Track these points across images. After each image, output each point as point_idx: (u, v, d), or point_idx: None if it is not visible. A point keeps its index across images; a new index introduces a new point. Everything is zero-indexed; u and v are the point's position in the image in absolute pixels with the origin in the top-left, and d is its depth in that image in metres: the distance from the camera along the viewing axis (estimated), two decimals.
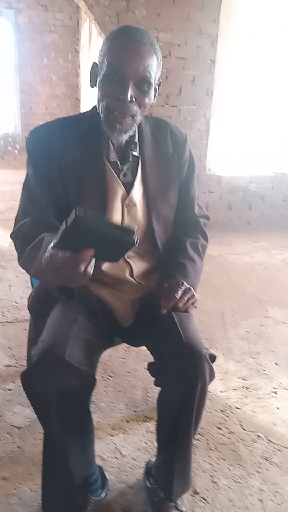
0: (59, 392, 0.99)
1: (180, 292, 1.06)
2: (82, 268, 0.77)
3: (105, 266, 1.19)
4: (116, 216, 1.16)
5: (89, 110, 1.19)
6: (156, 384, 1.15)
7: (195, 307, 1.14)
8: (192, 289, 1.09)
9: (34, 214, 1.11)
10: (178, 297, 1.05)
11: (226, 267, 3.10)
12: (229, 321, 2.36)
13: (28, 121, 6.55)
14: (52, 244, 0.80)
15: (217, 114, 3.74)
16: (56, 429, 1.06)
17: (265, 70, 3.91)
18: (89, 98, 5.89)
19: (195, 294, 1.10)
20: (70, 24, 6.44)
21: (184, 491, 1.20)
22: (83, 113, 1.23)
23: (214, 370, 1.08)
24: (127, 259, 1.21)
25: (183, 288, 1.08)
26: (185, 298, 1.07)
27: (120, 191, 1.15)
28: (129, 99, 1.03)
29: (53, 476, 1.12)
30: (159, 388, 1.76)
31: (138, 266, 1.22)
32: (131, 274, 1.22)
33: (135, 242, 0.75)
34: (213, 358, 1.07)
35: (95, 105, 1.15)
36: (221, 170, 3.81)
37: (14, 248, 1.12)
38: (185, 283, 1.10)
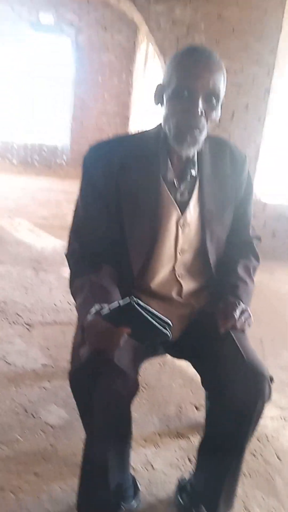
0: (105, 394, 0.99)
1: (238, 312, 1.06)
2: (116, 341, 0.90)
3: (154, 284, 1.20)
4: (170, 237, 1.17)
5: (152, 129, 1.20)
6: (208, 399, 1.13)
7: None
8: (248, 309, 1.09)
9: (85, 239, 1.17)
10: (236, 317, 1.05)
11: (267, 295, 3.05)
12: (268, 350, 2.30)
13: (77, 134, 6.77)
14: (94, 310, 0.94)
15: (268, 141, 3.75)
16: (99, 431, 1.07)
17: None
18: (138, 116, 6.04)
19: (251, 315, 1.09)
20: (127, 46, 6.67)
21: (228, 510, 1.17)
22: (145, 131, 1.23)
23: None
24: (178, 278, 1.21)
25: (240, 308, 1.07)
26: (243, 318, 1.06)
27: (175, 212, 1.16)
28: (199, 112, 1.04)
29: (91, 479, 1.11)
30: (192, 407, 1.76)
31: (188, 285, 1.23)
32: (179, 294, 1.22)
33: (169, 335, 0.88)
34: (272, 379, 1.05)
35: (159, 124, 1.16)
36: (267, 197, 3.79)
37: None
38: (241, 303, 1.09)
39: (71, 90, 6.64)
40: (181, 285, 1.22)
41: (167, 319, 0.90)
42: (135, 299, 0.86)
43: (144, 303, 0.88)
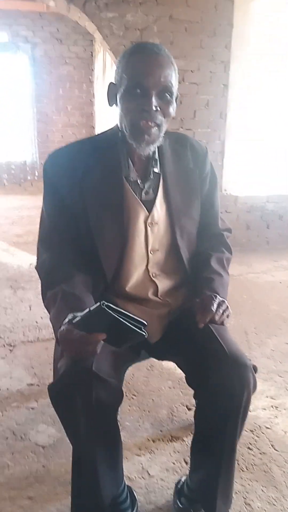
0: (87, 404, 0.97)
1: (215, 305, 1.04)
2: (92, 348, 0.88)
3: (129, 286, 1.18)
4: (140, 238, 1.16)
5: (109, 129, 1.19)
6: (195, 397, 1.12)
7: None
8: (225, 301, 1.08)
9: (54, 249, 1.14)
10: (214, 311, 1.04)
11: (247, 286, 3.07)
12: (253, 340, 2.31)
13: (44, 149, 6.71)
14: (67, 320, 0.92)
15: (232, 136, 3.79)
16: (84, 443, 1.04)
17: (277, 92, 3.98)
18: (103, 126, 6.04)
19: (228, 306, 1.08)
20: (84, 56, 6.68)
21: (227, 508, 1.15)
22: (102, 133, 1.22)
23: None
24: (153, 278, 1.20)
25: (217, 301, 1.06)
26: (221, 311, 1.05)
27: (142, 211, 1.15)
28: (154, 108, 1.03)
29: (83, 494, 1.08)
30: (184, 408, 1.74)
31: (163, 284, 1.21)
32: (156, 294, 1.21)
33: (145, 335, 0.86)
34: (255, 369, 1.04)
35: (116, 124, 1.16)
36: (237, 190, 3.83)
37: (33, 269, 1.14)
38: (218, 296, 1.08)
39: (33, 105, 6.60)
40: (156, 285, 1.20)
41: (141, 319, 0.88)
42: (105, 303, 0.83)
43: (119, 306, 0.86)
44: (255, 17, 3.66)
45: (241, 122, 3.80)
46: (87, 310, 0.86)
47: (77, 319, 0.88)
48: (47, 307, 1.10)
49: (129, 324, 0.84)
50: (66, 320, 0.92)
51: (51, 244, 1.16)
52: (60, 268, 1.12)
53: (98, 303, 0.83)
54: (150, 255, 1.18)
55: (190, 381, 1.15)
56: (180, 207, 1.18)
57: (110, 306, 0.83)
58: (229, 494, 1.12)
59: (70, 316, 0.93)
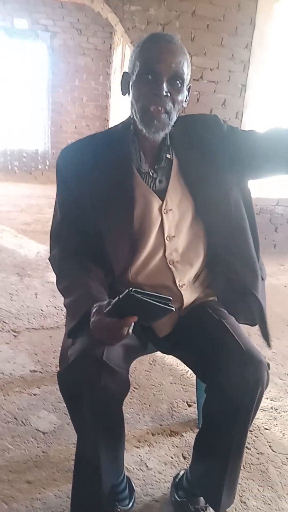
0: (96, 393, 0.98)
1: None
2: (125, 332, 0.92)
3: (146, 275, 1.18)
4: (155, 225, 1.16)
5: (121, 123, 1.20)
6: (206, 390, 1.12)
7: None
8: None
9: (65, 243, 1.18)
10: None
11: None
12: (255, 342, 2.28)
13: (57, 139, 6.71)
14: (94, 310, 0.96)
15: None
16: (90, 431, 1.05)
17: None
18: (117, 120, 6.03)
19: None
20: (103, 48, 6.66)
21: (231, 501, 1.16)
22: (114, 126, 1.22)
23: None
24: (170, 265, 1.18)
25: None
26: None
27: (155, 201, 1.15)
28: (164, 93, 1.05)
29: (84, 482, 1.09)
30: (184, 403, 1.76)
31: (180, 271, 1.19)
32: (173, 281, 1.19)
33: (173, 309, 0.90)
34: (269, 366, 1.06)
35: (128, 117, 1.17)
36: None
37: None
38: None
39: (49, 95, 6.60)
40: (172, 273, 1.19)
41: (166, 296, 0.91)
42: (133, 289, 0.87)
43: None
44: (278, 19, 3.63)
45: (256, 123, 3.78)
46: (117, 298, 0.89)
47: (109, 308, 0.92)
48: (64, 293, 1.13)
49: (158, 304, 0.87)
50: (94, 310, 0.96)
51: (62, 239, 1.19)
52: (73, 259, 1.14)
53: (127, 290, 0.86)
54: (166, 241, 1.18)
55: (203, 376, 1.15)
56: (195, 191, 1.16)
57: (137, 291, 0.86)
58: (234, 488, 1.13)
59: (96, 307, 0.97)
